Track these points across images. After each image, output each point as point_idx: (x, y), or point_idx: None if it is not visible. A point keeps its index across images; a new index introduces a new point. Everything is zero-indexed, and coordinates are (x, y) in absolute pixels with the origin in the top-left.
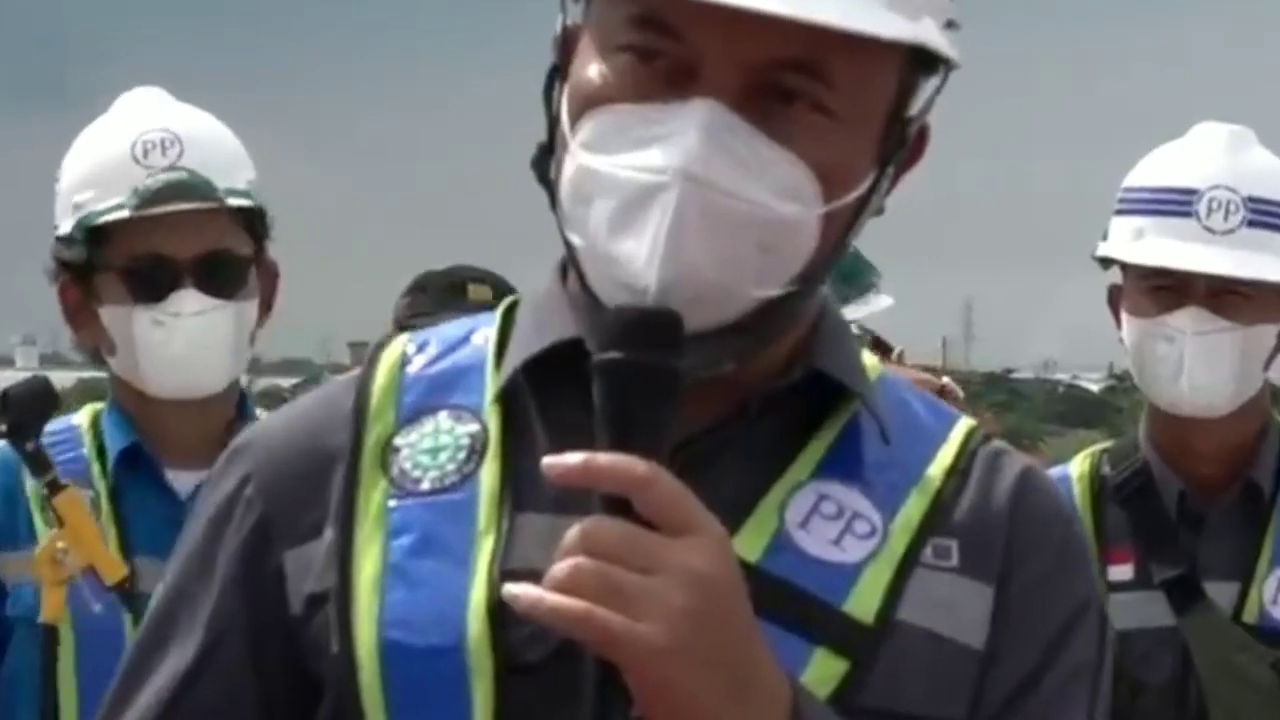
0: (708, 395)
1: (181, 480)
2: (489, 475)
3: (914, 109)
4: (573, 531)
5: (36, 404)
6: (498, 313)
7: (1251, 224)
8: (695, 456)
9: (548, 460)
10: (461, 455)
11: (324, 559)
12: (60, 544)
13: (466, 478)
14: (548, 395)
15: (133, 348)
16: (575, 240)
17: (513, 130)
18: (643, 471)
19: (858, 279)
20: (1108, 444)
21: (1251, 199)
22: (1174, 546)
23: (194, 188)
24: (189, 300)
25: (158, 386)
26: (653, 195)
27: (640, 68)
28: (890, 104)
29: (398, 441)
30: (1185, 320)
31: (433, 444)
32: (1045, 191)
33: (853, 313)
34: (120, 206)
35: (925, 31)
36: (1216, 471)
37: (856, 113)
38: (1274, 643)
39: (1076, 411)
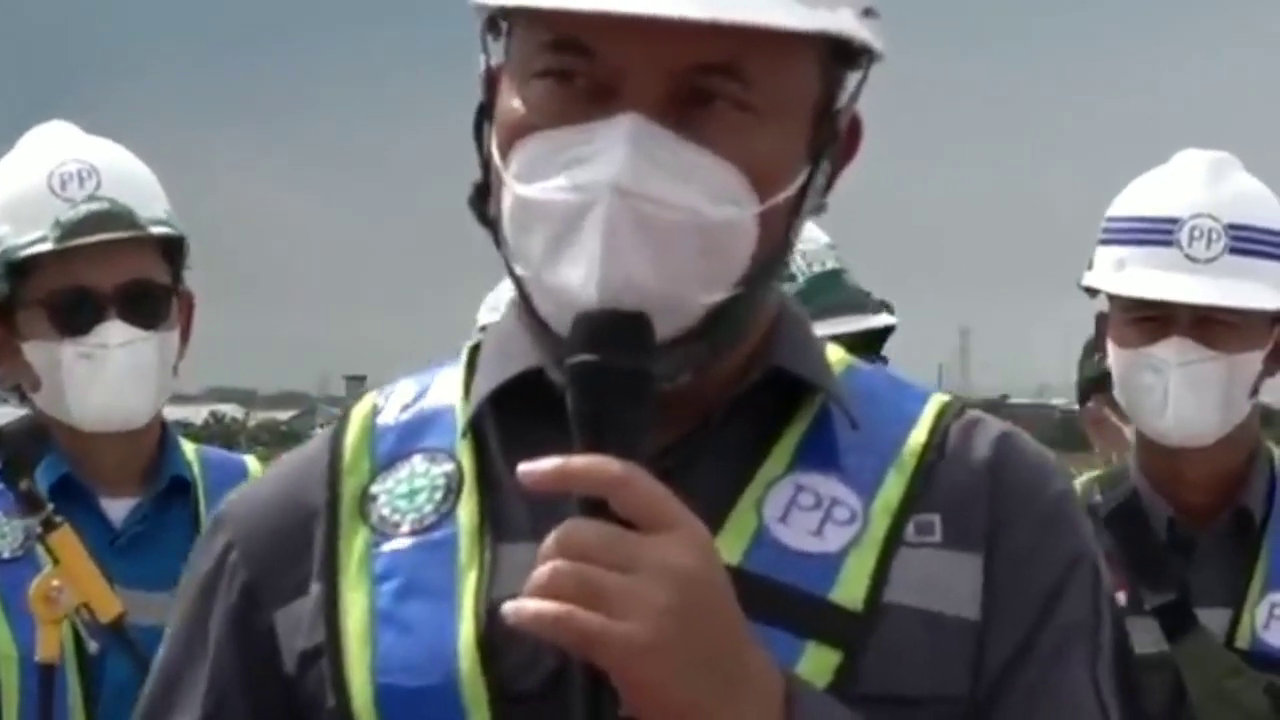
0: (670, 408)
1: (115, 509)
2: (467, 511)
3: (841, 101)
4: (551, 536)
5: (30, 442)
6: (463, 353)
7: (1234, 251)
8: (666, 469)
9: (523, 467)
10: (438, 495)
11: (311, 614)
12: (55, 582)
13: (445, 516)
14: (517, 426)
15: (59, 382)
16: (520, 271)
17: None
18: (618, 470)
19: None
20: (1098, 472)
21: (1233, 226)
22: (1165, 573)
23: (117, 217)
24: (115, 332)
25: (86, 420)
26: (583, 214)
27: (560, 91)
28: (816, 97)
29: (374, 489)
30: (1170, 351)
31: (409, 487)
32: (1040, 218)
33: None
34: (43, 239)
35: (842, 21)
36: (1206, 499)
37: (778, 107)
38: (1266, 668)
39: (1074, 437)
